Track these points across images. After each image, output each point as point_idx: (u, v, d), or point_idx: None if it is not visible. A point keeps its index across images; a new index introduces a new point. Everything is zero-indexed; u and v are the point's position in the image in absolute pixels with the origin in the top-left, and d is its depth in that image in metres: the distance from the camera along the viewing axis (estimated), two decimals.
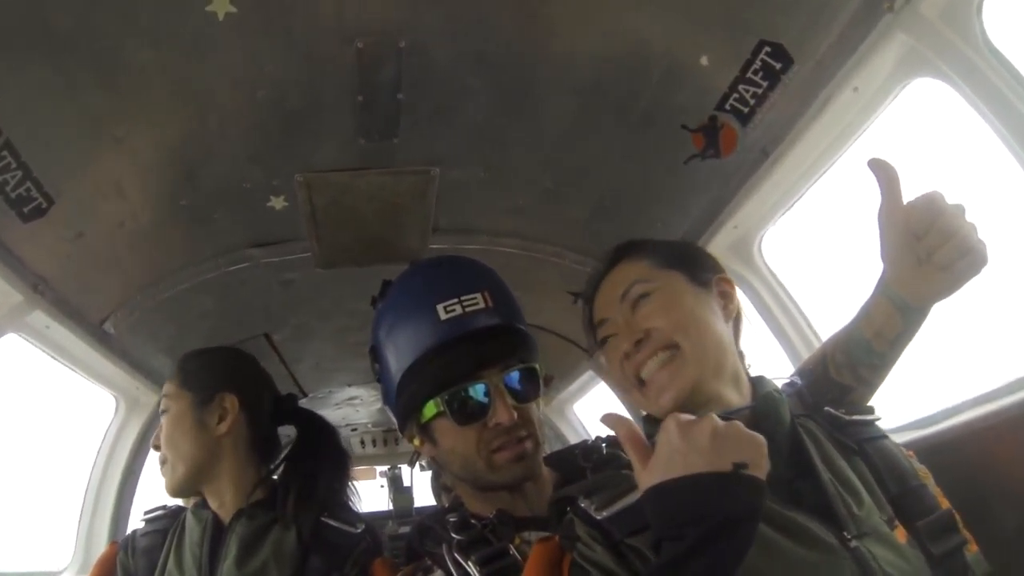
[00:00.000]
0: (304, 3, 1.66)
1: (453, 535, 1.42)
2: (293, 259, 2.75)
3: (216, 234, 2.55)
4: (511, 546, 1.38)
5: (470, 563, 1.36)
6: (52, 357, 2.62)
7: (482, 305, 1.46)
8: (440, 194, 2.44)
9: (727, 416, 1.17)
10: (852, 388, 1.45)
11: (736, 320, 1.40)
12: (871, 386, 1.46)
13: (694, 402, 1.25)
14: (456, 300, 1.45)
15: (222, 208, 2.39)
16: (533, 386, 1.51)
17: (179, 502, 1.99)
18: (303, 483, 1.79)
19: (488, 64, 1.91)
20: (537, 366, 1.52)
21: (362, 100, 1.94)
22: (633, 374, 1.32)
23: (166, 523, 1.91)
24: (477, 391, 1.45)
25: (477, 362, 1.44)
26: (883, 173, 1.29)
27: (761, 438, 1.06)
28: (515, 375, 1.48)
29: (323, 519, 1.76)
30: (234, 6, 1.61)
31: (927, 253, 1.24)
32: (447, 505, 1.69)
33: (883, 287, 1.34)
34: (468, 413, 1.45)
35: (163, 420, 1.85)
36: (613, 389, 3.52)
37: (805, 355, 2.22)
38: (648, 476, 1.07)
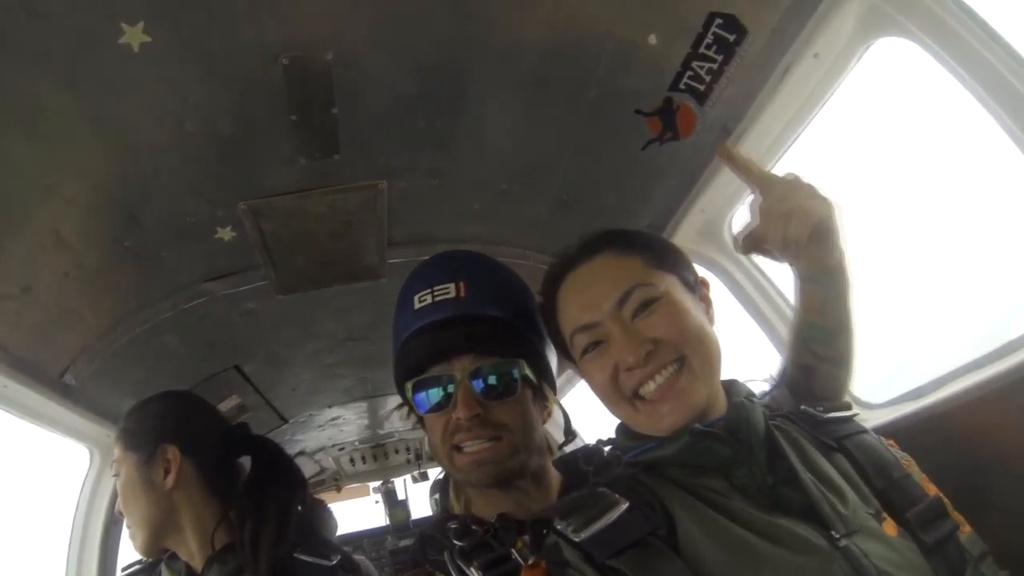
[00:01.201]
0: (221, 23, 1.56)
1: (455, 541, 1.38)
2: (251, 289, 2.65)
3: (167, 272, 2.44)
4: (513, 551, 1.34)
5: (472, 568, 1.33)
6: (15, 416, 2.49)
7: (452, 295, 1.44)
8: (391, 206, 2.35)
9: (699, 431, 1.18)
10: (815, 367, 1.45)
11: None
12: (834, 361, 1.45)
13: (692, 421, 1.21)
14: (428, 290, 1.45)
15: (169, 245, 2.29)
16: (506, 384, 1.44)
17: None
18: (254, 521, 1.71)
19: (423, 67, 1.82)
20: (521, 363, 1.45)
21: (296, 119, 1.85)
22: (631, 388, 1.24)
23: None
24: (440, 380, 1.42)
25: (435, 350, 1.41)
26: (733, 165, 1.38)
27: None
28: (484, 369, 1.42)
29: (296, 555, 1.68)
30: (148, 35, 1.51)
31: (782, 237, 1.29)
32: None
33: (792, 269, 1.38)
34: (433, 402, 1.43)
35: (116, 486, 1.78)
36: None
37: (784, 334, 2.17)
38: None
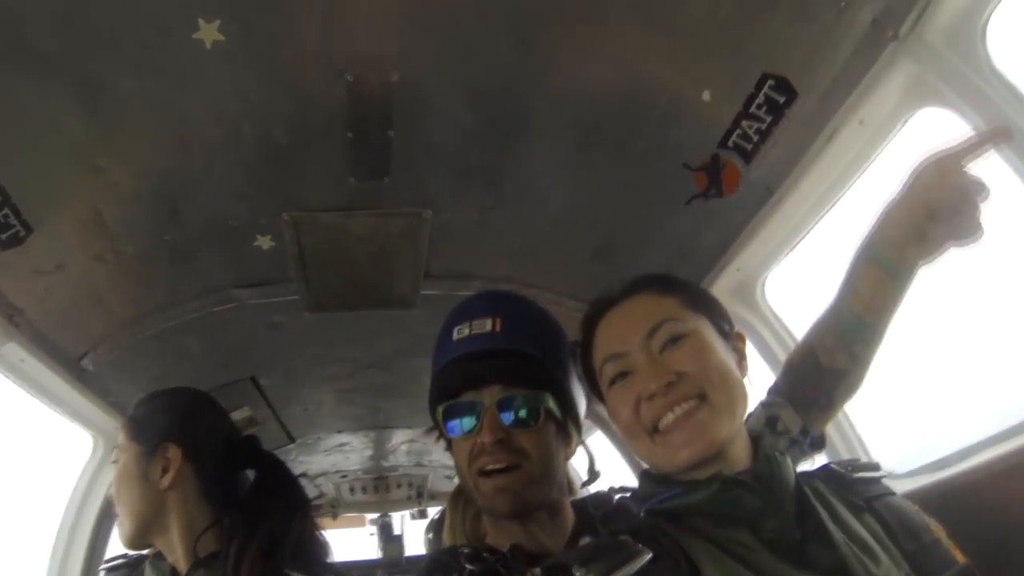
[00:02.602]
0: (293, 32, 1.56)
1: (466, 565, 1.36)
2: (280, 301, 2.61)
3: (200, 272, 2.41)
4: None
5: None
6: (27, 391, 2.45)
7: (489, 329, 1.48)
8: (433, 237, 2.32)
9: (730, 479, 1.13)
10: (847, 371, 1.40)
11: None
12: (865, 364, 1.40)
13: (709, 457, 1.16)
14: (467, 324, 1.49)
15: (207, 246, 2.26)
16: (531, 414, 1.46)
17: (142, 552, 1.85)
18: (243, 534, 1.64)
19: (482, 99, 1.80)
20: (546, 396, 1.47)
21: (352, 136, 1.83)
22: (651, 420, 1.19)
23: (125, 573, 1.81)
24: (471, 407, 1.45)
25: (467, 378, 1.46)
26: (992, 138, 1.21)
27: None
28: (511, 399, 1.45)
29: (286, 571, 1.60)
30: (222, 34, 1.51)
31: (930, 231, 1.20)
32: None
33: (870, 252, 1.29)
34: (464, 428, 1.46)
35: (114, 472, 1.71)
36: (611, 439, 3.37)
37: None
38: None
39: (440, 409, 1.50)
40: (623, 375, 1.24)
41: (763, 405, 1.47)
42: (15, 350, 2.18)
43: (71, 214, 1.96)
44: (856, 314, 1.35)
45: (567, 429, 1.54)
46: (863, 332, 1.36)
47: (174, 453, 1.69)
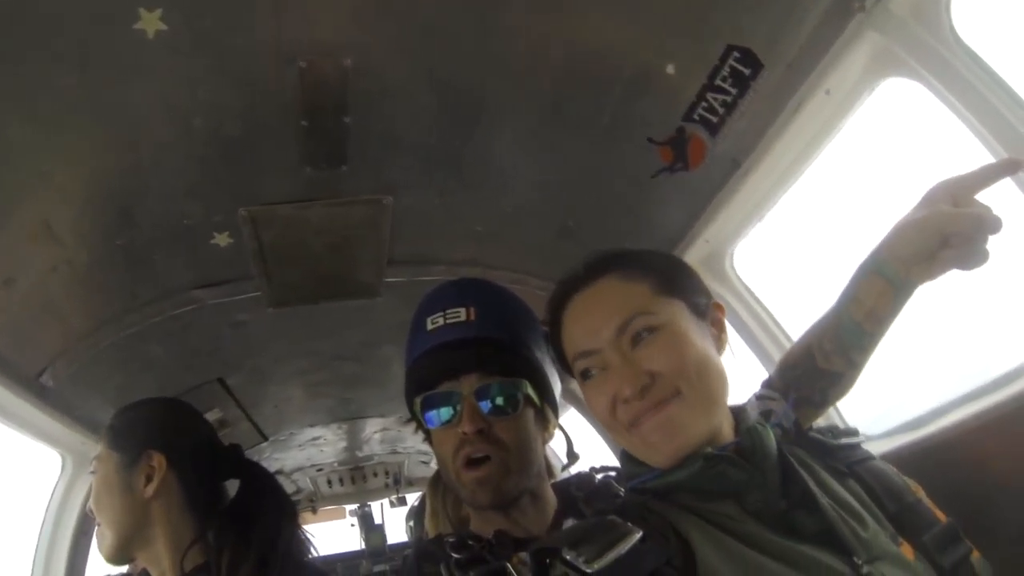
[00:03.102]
0: (241, 19, 1.49)
1: (452, 554, 1.38)
2: (242, 299, 2.54)
3: (158, 276, 2.33)
4: (508, 564, 1.29)
5: None
6: None
7: (463, 318, 1.48)
8: (394, 224, 2.26)
9: (713, 456, 1.12)
10: (842, 374, 1.39)
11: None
12: (859, 368, 1.40)
13: (690, 453, 1.14)
14: (441, 313, 1.49)
15: (163, 247, 2.18)
16: (509, 401, 1.47)
17: (123, 569, 1.81)
18: (235, 544, 1.60)
19: (440, 81, 1.75)
20: (524, 382, 1.48)
21: (307, 125, 1.77)
22: (628, 420, 1.17)
23: None
24: (448, 397, 1.46)
25: (444, 368, 1.47)
26: (1009, 168, 1.22)
27: None
28: (488, 387, 1.45)
29: None
30: (165, 23, 1.43)
31: (939, 255, 1.19)
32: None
33: (877, 265, 1.27)
34: (442, 419, 1.47)
35: (92, 483, 1.67)
36: (587, 417, 3.38)
37: None
38: None
39: (418, 400, 1.49)
40: (596, 371, 1.22)
41: (757, 398, 1.45)
42: None
43: (17, 224, 1.86)
44: (856, 322, 1.34)
45: (545, 414, 1.55)
46: (862, 340, 1.35)
47: (159, 461, 1.65)
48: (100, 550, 1.66)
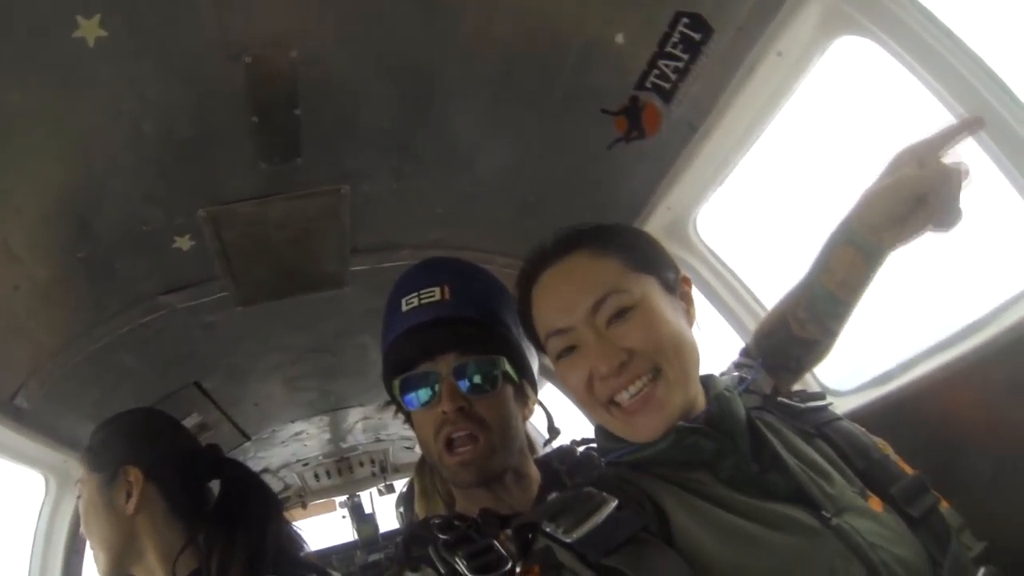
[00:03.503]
0: (182, 18, 1.48)
1: (439, 535, 1.39)
2: (210, 300, 2.53)
3: (123, 285, 2.30)
4: (495, 541, 1.35)
5: (457, 559, 1.32)
6: None
7: (438, 298, 1.47)
8: (354, 212, 2.27)
9: (684, 428, 1.15)
10: (817, 341, 1.42)
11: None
12: (835, 335, 1.42)
13: (670, 428, 1.17)
14: (416, 294, 1.48)
15: (124, 256, 2.16)
16: (488, 380, 1.46)
17: None
18: (223, 548, 1.61)
19: (389, 67, 1.75)
20: (502, 359, 1.47)
21: (257, 121, 1.76)
22: (606, 396, 1.19)
23: None
24: (427, 378, 1.45)
25: (421, 349, 1.45)
26: (967, 127, 1.24)
27: None
28: (466, 366, 1.44)
29: None
30: (104, 29, 1.42)
31: (912, 218, 1.22)
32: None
33: (848, 234, 1.29)
34: (421, 401, 1.46)
35: (79, 507, 1.68)
36: (563, 391, 3.42)
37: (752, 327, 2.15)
38: None
39: (396, 383, 1.48)
40: (570, 349, 1.22)
41: (735, 365, 1.49)
42: None
43: None
44: (829, 291, 1.36)
45: (524, 390, 1.55)
46: (836, 308, 1.38)
47: (135, 475, 1.65)
48: (98, 571, 1.67)
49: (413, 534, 1.50)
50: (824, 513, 1.10)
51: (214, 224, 2.12)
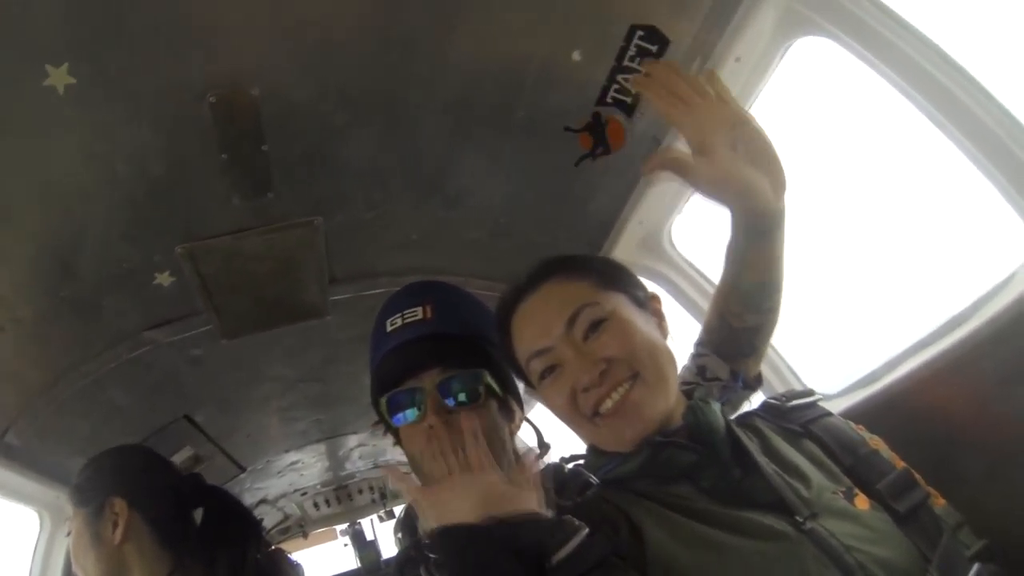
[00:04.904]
0: (146, 62, 1.51)
1: (429, 555, 1.36)
2: (195, 335, 2.55)
3: (107, 322, 2.33)
4: None
5: None
6: None
7: (420, 316, 1.48)
8: (329, 242, 2.30)
9: (659, 442, 1.20)
10: (760, 324, 1.45)
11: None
12: (776, 310, 1.46)
13: (652, 432, 1.21)
14: (399, 315, 1.49)
15: (107, 294, 2.19)
16: (471, 392, 1.45)
17: None
18: (204, 569, 1.64)
19: (350, 98, 1.79)
20: (484, 373, 1.47)
21: (226, 158, 1.80)
22: (591, 408, 1.23)
23: None
24: (412, 394, 1.44)
25: (406, 366, 1.46)
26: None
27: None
28: (450, 380, 1.44)
29: None
30: (73, 77, 1.46)
31: (765, 178, 1.27)
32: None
33: (747, 230, 1.34)
34: (405, 417, 1.45)
35: (69, 544, 1.73)
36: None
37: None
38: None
39: (383, 401, 1.49)
40: (551, 369, 1.27)
41: (692, 356, 1.52)
42: None
43: None
44: (755, 282, 1.40)
45: (509, 404, 1.55)
46: (766, 290, 1.41)
47: (120, 506, 1.69)
48: None
49: (407, 557, 1.50)
50: (798, 518, 1.12)
51: (192, 260, 2.15)
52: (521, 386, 1.57)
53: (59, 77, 1.45)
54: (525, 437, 1.67)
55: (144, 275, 2.17)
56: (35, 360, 2.31)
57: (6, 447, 2.43)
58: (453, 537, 1.18)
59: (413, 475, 1.47)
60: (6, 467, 2.47)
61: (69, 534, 1.75)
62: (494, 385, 1.48)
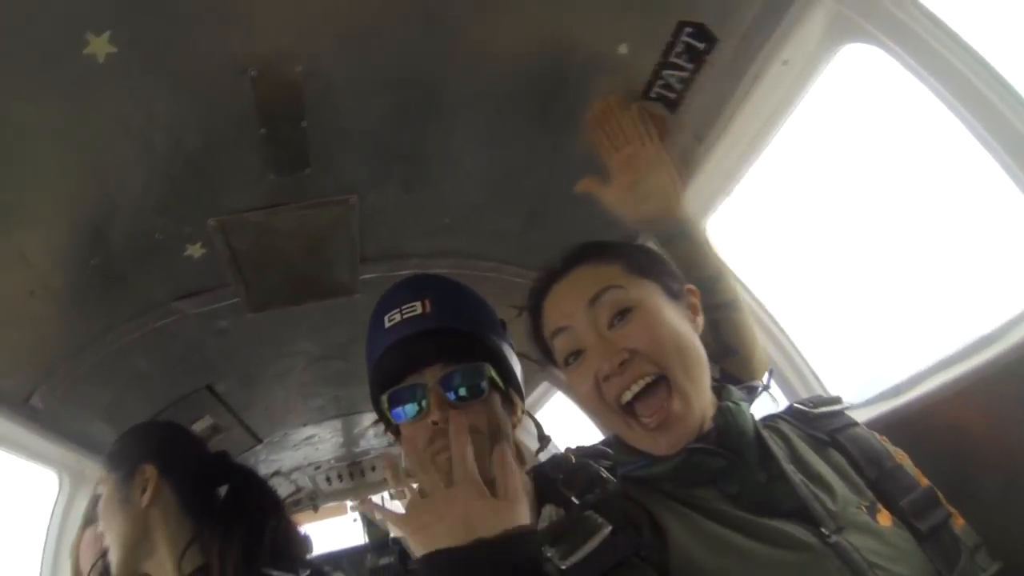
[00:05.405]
0: (189, 34, 1.49)
1: None
2: (222, 306, 2.55)
3: (136, 291, 2.34)
4: None
5: None
6: None
7: (420, 311, 1.46)
8: (363, 222, 2.27)
9: (694, 449, 1.18)
10: (718, 321, 1.51)
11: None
12: (728, 305, 1.57)
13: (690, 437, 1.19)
14: (397, 310, 1.47)
15: (137, 263, 2.19)
16: (474, 387, 1.45)
17: None
18: (222, 542, 1.67)
19: (393, 80, 1.76)
20: (487, 366, 1.47)
21: (265, 133, 1.78)
22: (613, 397, 1.21)
23: None
24: (414, 390, 1.44)
25: (406, 362, 1.45)
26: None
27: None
28: (452, 375, 1.44)
29: (264, 570, 1.64)
30: (114, 45, 1.43)
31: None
32: None
33: (664, 240, 1.60)
34: (410, 414, 1.44)
35: (99, 507, 1.77)
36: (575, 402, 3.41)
37: (767, 345, 2.14)
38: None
39: (384, 398, 1.48)
40: (576, 354, 1.25)
41: None
42: None
43: None
44: (704, 278, 1.46)
45: (511, 397, 1.55)
46: (702, 286, 1.40)
47: (150, 471, 1.74)
48: (111, 568, 1.73)
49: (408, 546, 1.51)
50: (823, 530, 1.10)
51: (224, 233, 2.14)
52: (520, 375, 1.58)
53: (100, 45, 1.43)
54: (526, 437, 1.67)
55: (175, 246, 2.17)
56: (63, 326, 2.32)
57: (31, 410, 2.45)
58: (437, 565, 1.17)
59: (396, 502, 1.46)
60: (30, 429, 2.50)
61: (98, 499, 1.80)
62: (496, 378, 1.48)
